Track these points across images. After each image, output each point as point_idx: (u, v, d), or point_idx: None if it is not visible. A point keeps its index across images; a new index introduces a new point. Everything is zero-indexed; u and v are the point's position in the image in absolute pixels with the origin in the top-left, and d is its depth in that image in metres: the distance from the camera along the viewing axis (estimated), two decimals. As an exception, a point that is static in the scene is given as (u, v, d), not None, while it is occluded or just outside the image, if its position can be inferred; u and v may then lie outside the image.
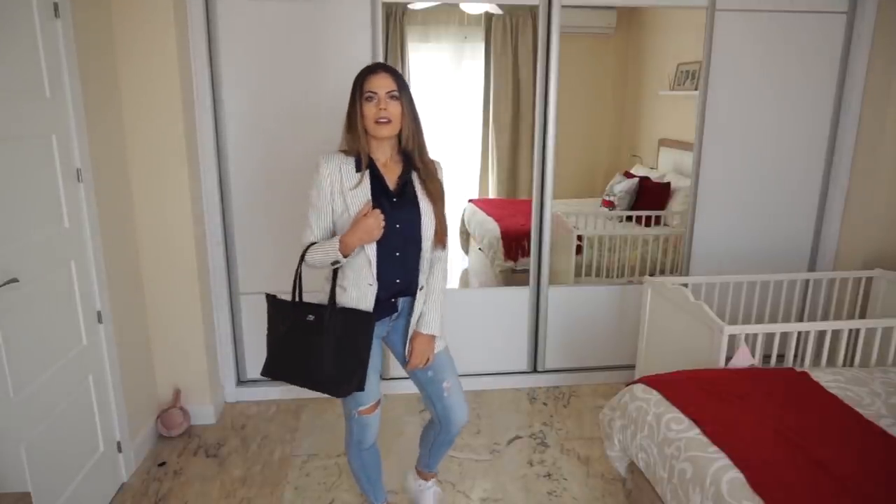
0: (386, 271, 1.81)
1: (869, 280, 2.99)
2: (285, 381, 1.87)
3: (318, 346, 1.77)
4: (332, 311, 1.78)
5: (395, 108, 1.74)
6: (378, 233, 1.73)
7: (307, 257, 1.79)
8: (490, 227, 3.37)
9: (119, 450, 2.46)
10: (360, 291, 1.80)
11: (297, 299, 1.85)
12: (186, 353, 2.83)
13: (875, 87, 3.02)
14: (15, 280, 1.79)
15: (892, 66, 2.92)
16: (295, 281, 1.84)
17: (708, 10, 2.97)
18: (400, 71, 3.02)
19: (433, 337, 1.93)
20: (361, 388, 1.81)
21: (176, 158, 2.62)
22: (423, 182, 1.85)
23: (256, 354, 3.15)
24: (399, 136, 1.80)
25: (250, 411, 3.07)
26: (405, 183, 1.83)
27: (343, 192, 1.75)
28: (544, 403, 3.15)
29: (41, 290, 1.98)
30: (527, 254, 3.22)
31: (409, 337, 1.94)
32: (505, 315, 3.26)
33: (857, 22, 3.04)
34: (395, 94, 1.74)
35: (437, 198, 1.86)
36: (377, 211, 1.73)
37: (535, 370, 3.36)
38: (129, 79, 2.51)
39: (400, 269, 1.84)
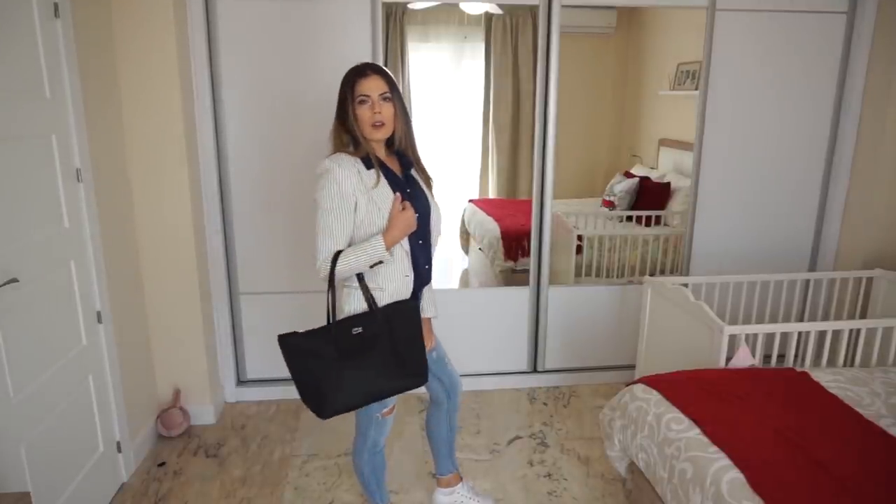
0: (417, 260, 1.86)
1: (869, 280, 2.99)
2: (353, 409, 1.76)
3: (379, 354, 1.72)
4: (382, 314, 1.74)
5: (388, 110, 1.75)
6: (415, 224, 1.78)
7: (340, 266, 1.68)
8: (490, 227, 3.37)
9: (119, 450, 2.46)
10: (396, 285, 1.80)
11: (332, 319, 1.73)
12: (186, 353, 2.83)
13: (875, 87, 3.02)
14: (15, 280, 1.79)
15: (892, 66, 2.92)
16: (330, 300, 1.71)
17: (708, 10, 2.97)
18: (399, 71, 3.04)
19: (430, 319, 2.01)
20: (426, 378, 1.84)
21: (176, 158, 2.62)
22: (420, 175, 1.91)
23: (256, 354, 3.15)
24: (392, 135, 1.81)
25: (250, 411, 3.07)
26: (408, 176, 1.88)
27: (367, 191, 1.72)
28: (544, 403, 3.15)
29: (41, 290, 1.98)
30: (527, 254, 3.22)
31: None
32: (505, 315, 3.26)
33: (857, 22, 3.04)
34: (388, 95, 1.74)
35: (430, 186, 1.93)
36: (408, 203, 1.77)
37: (535, 370, 3.36)
38: (129, 78, 2.51)
39: (426, 256, 1.90)
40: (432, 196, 1.93)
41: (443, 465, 2.27)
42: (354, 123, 1.74)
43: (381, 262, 1.73)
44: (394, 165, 1.86)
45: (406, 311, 1.78)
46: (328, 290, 1.70)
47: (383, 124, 1.75)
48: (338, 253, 1.69)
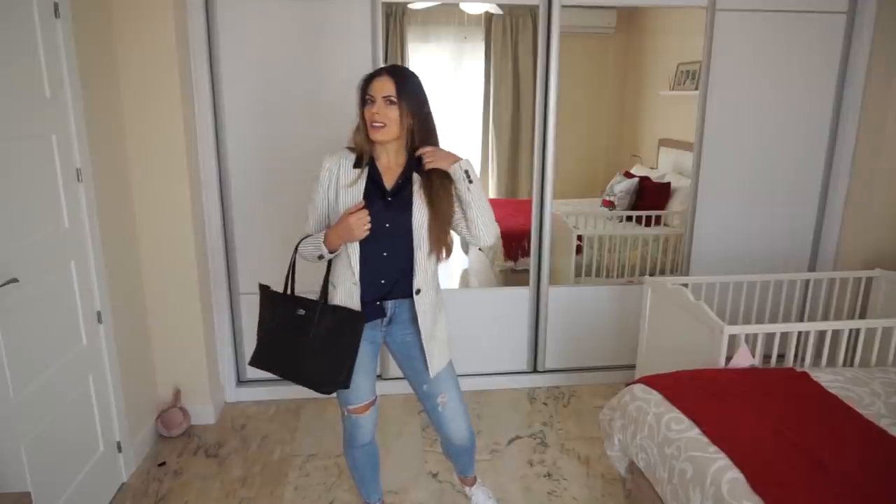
0: (371, 271, 1.81)
1: (869, 280, 2.99)
2: (272, 373, 1.87)
3: (305, 341, 1.78)
4: (322, 307, 1.79)
5: (390, 113, 1.72)
6: (360, 233, 1.70)
7: (300, 248, 1.82)
8: (490, 227, 3.37)
9: (119, 450, 2.46)
10: (346, 290, 1.81)
11: (289, 291, 1.86)
12: (186, 353, 2.83)
13: (875, 87, 3.02)
14: (15, 280, 1.79)
15: (892, 66, 2.92)
16: (288, 272, 1.86)
17: (708, 10, 2.97)
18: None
19: (454, 157, 1.77)
20: (346, 386, 1.81)
21: (176, 158, 2.62)
22: (425, 186, 1.79)
23: (256, 354, 3.15)
24: (412, 138, 1.78)
25: (250, 411, 3.07)
26: (403, 184, 1.80)
27: (338, 188, 1.78)
28: (544, 403, 3.15)
29: (41, 290, 1.98)
30: (527, 254, 3.22)
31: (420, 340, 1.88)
32: (505, 315, 3.26)
33: (857, 22, 3.04)
34: (393, 98, 1.71)
35: (437, 203, 1.78)
36: (363, 211, 1.70)
37: (535, 370, 3.36)
38: (129, 78, 2.51)
39: (386, 271, 1.82)
40: (433, 214, 1.78)
41: (455, 469, 2.27)
42: (362, 123, 1.77)
43: (323, 258, 1.78)
44: (395, 172, 1.81)
45: (347, 321, 1.78)
46: (290, 263, 1.86)
47: (383, 125, 1.72)
48: (307, 236, 1.83)
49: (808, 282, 3.14)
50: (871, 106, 3.04)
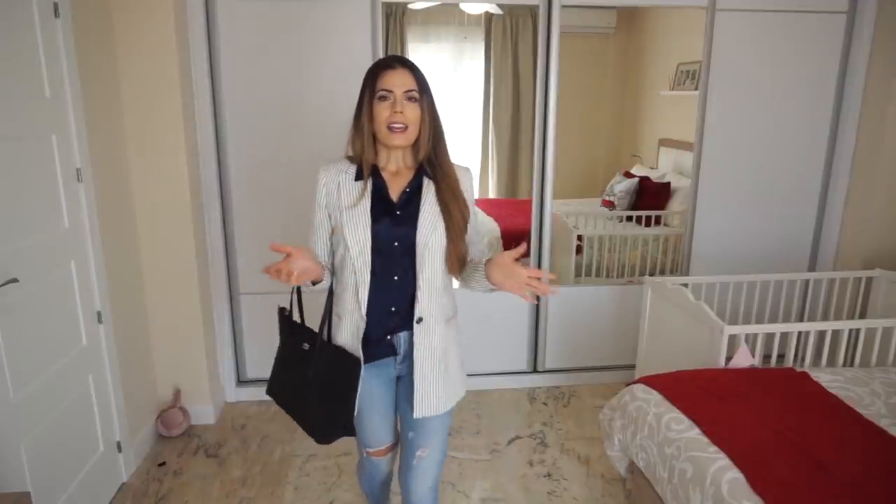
0: (380, 297, 1.53)
1: (869, 280, 2.99)
2: (283, 410, 1.69)
3: (306, 378, 1.56)
4: (321, 345, 1.57)
5: (412, 112, 1.45)
6: (304, 273, 1.40)
7: None
8: (490, 227, 3.37)
9: (119, 450, 2.46)
10: (352, 322, 1.55)
11: (295, 319, 1.65)
12: (186, 353, 2.83)
13: (875, 86, 3.02)
14: (15, 280, 1.79)
15: (893, 65, 2.92)
16: (291, 298, 1.62)
17: (708, 10, 2.97)
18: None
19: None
20: (349, 434, 1.63)
21: (176, 158, 2.62)
22: (438, 194, 1.53)
23: (256, 354, 3.15)
24: (416, 143, 1.51)
25: (250, 411, 3.07)
26: (412, 193, 1.53)
27: (340, 208, 1.51)
28: (544, 403, 3.15)
29: (41, 290, 1.98)
30: (527, 254, 3.22)
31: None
32: (505, 315, 3.26)
33: (857, 22, 3.04)
34: (415, 94, 1.46)
35: (452, 214, 1.52)
36: (293, 256, 1.37)
37: (535, 370, 3.36)
38: (129, 79, 2.51)
39: (396, 297, 1.54)
40: (448, 225, 1.51)
41: None
42: (368, 123, 1.47)
43: (310, 287, 1.54)
44: (398, 180, 1.54)
45: (343, 365, 1.54)
46: (291, 292, 1.61)
47: (405, 128, 1.44)
48: None
49: (807, 282, 3.14)
50: (871, 106, 3.04)
